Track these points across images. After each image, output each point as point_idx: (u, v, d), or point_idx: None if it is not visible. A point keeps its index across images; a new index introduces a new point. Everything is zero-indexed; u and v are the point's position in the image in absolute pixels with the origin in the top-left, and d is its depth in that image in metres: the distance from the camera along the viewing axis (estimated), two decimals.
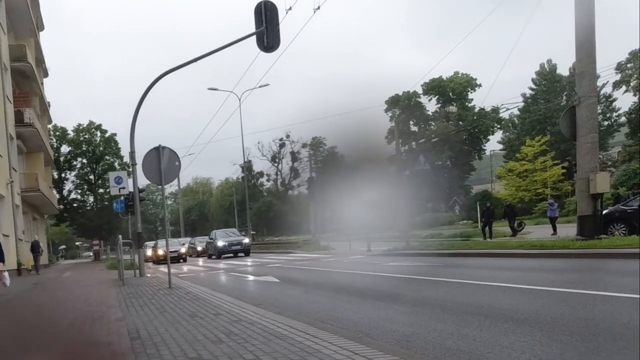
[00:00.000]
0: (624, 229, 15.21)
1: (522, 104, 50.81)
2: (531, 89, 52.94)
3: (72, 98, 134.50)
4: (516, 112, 52.41)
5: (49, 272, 27.28)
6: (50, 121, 37.60)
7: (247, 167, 65.07)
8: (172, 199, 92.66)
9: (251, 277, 13.15)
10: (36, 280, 18.82)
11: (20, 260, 23.49)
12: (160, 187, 11.03)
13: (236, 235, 29.89)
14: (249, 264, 20.33)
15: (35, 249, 26.60)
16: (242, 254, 28.34)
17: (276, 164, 74.27)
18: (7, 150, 23.13)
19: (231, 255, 28.73)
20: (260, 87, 34.94)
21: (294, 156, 70.27)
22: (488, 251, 13.34)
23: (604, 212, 16.02)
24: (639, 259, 8.77)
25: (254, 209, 60.66)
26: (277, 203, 69.46)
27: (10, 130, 24.53)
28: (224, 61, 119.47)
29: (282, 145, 71.66)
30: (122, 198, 22.06)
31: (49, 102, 35.49)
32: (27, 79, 27.14)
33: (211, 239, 30.52)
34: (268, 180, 76.90)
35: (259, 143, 70.82)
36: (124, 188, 18.31)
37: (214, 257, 29.89)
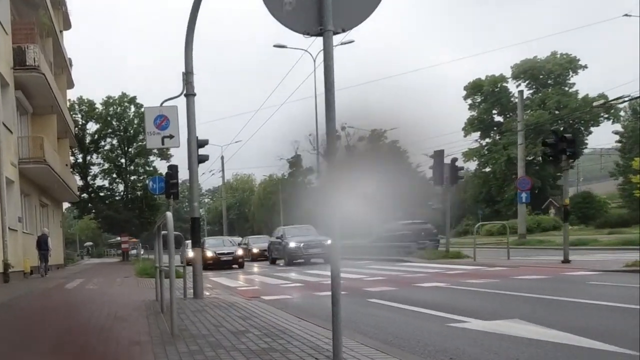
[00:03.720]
0: None
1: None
2: None
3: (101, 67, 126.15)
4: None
5: (56, 276, 19.45)
6: (71, 84, 29.80)
7: (294, 162, 57.40)
8: (211, 197, 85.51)
9: (478, 324, 4.85)
10: (15, 296, 10.81)
11: (7, 260, 15.59)
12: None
13: (314, 234, 21.21)
14: (353, 276, 11.82)
15: (42, 245, 19.33)
16: (322, 260, 19.95)
17: None
18: None
19: (302, 260, 20.51)
20: (342, 44, 26.20)
21: (350, 151, 61.52)
22: None
23: None
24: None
25: (301, 209, 52.19)
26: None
27: (3, 70, 16.88)
28: None
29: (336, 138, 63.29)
30: (161, 174, 14.20)
31: (70, 59, 27.86)
32: (32, 7, 19.44)
33: (278, 237, 22.18)
34: (317, 177, 68.62)
35: (310, 135, 62.31)
36: (171, 137, 9.76)
37: (280, 262, 21.73)
